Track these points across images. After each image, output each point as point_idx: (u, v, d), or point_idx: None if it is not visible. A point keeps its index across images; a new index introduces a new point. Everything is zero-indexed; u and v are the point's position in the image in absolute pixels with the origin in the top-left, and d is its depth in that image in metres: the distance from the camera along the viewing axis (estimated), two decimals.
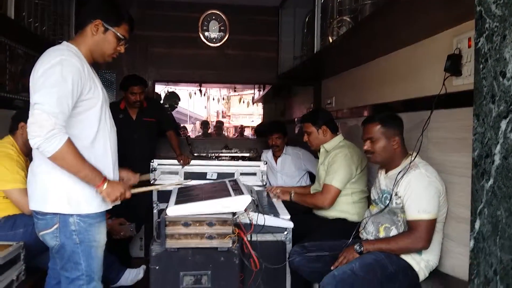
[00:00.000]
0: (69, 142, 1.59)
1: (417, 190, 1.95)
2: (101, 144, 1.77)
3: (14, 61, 2.86)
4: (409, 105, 2.44)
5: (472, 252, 1.45)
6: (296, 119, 4.77)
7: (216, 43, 4.16)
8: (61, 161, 1.60)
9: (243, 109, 16.65)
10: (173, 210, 1.91)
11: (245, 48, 4.18)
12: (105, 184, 1.68)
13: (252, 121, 17.82)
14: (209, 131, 8.46)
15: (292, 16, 3.92)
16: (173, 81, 5.27)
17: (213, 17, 4.14)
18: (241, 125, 10.45)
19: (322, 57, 3.01)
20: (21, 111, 2.37)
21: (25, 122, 2.06)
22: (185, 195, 2.10)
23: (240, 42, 4.18)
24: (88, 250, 1.74)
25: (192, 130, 17.54)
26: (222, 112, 20.72)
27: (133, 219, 2.91)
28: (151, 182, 3.26)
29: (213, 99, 9.84)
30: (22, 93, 2.88)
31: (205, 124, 8.50)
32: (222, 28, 4.16)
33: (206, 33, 4.15)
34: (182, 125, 9.22)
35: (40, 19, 2.96)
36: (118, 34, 1.80)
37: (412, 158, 2.04)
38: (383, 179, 2.17)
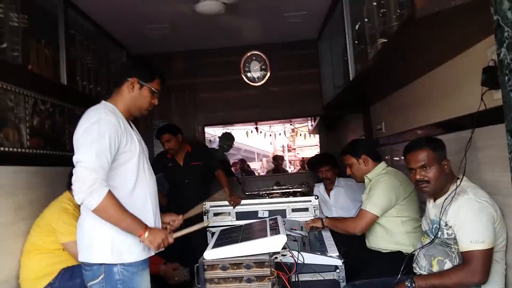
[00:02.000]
0: (110, 194, 1.69)
1: (467, 218, 1.80)
2: (140, 193, 1.87)
3: (73, 122, 3.15)
4: (454, 125, 2.29)
5: None
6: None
7: (259, 82, 4.26)
8: (104, 213, 1.70)
9: (309, 141, 16.58)
10: (210, 254, 1.92)
11: (287, 83, 4.24)
12: (147, 233, 1.76)
13: (317, 151, 17.60)
14: (282, 165, 8.37)
15: (329, 46, 3.91)
16: (221, 124, 5.45)
17: (253, 58, 4.27)
18: (302, 158, 10.36)
19: (358, 82, 2.96)
20: None
21: None
22: (224, 237, 2.11)
23: (282, 78, 4.24)
24: None
25: (261, 167, 17.73)
26: (288, 146, 20.76)
27: (189, 262, 2.95)
28: (203, 213, 3.32)
29: (270, 135, 9.93)
30: None
31: (276, 159, 8.47)
32: (263, 67, 4.26)
33: (249, 74, 4.27)
34: (248, 163, 9.40)
35: (94, 80, 3.25)
36: (152, 88, 1.94)
37: (458, 183, 1.89)
38: (432, 208, 2.03)
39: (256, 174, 8.72)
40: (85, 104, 3.22)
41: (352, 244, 2.73)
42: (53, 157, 2.85)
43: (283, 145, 20.23)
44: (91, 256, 1.80)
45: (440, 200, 1.96)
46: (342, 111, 4.39)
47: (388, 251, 2.53)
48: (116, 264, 1.78)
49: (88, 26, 3.31)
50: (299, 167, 9.49)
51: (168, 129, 3.58)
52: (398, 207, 2.50)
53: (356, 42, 3.04)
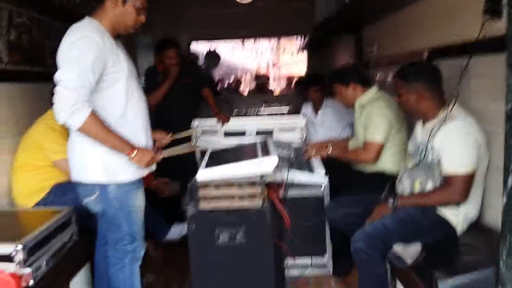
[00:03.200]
0: (93, 114, 1.66)
1: (453, 143, 1.85)
2: (131, 116, 1.84)
3: (52, 36, 2.98)
4: (447, 52, 2.27)
5: (504, 209, 1.38)
6: None
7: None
8: (87, 133, 1.69)
9: (294, 58, 16.27)
10: (203, 173, 1.97)
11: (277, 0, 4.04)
12: (135, 152, 1.77)
13: (304, 66, 17.41)
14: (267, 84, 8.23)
15: None
16: (207, 39, 5.25)
17: None
18: (290, 78, 10.22)
19: (354, 4, 2.84)
20: None
21: None
22: (216, 158, 2.16)
23: None
24: (128, 214, 1.88)
25: (243, 80, 17.54)
26: (272, 62, 20.38)
27: (179, 177, 3.02)
28: (194, 136, 3.35)
29: (256, 53, 9.66)
30: None
31: (258, 77, 8.29)
32: None
33: None
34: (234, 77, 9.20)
35: None
36: (137, 4, 1.82)
37: (449, 110, 1.92)
38: (420, 131, 2.08)
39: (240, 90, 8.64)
40: (64, 18, 3.07)
41: (336, 163, 2.82)
42: (34, 74, 2.75)
43: (267, 62, 19.85)
44: (84, 176, 1.82)
45: (429, 125, 2.00)
46: (334, 32, 4.26)
47: (371, 172, 2.62)
48: (110, 184, 1.81)
49: None
50: (285, 86, 9.40)
51: (174, 44, 3.43)
52: (392, 130, 2.54)
53: None
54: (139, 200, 1.92)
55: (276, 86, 11.51)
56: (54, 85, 2.54)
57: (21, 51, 2.60)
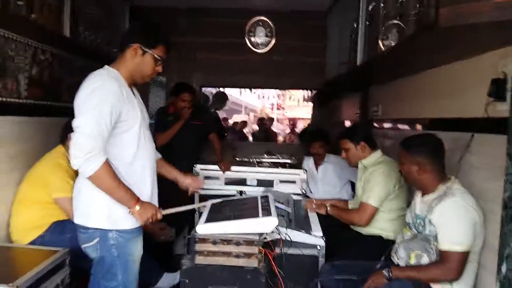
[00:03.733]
0: (106, 164, 1.71)
1: (451, 220, 1.88)
2: (139, 164, 1.88)
3: (72, 73, 3.09)
4: (450, 125, 2.34)
5: None
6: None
7: (263, 48, 4.19)
8: (98, 181, 1.72)
9: (299, 104, 16.54)
10: (203, 228, 1.99)
11: (292, 53, 4.18)
12: (138, 206, 1.79)
13: (307, 112, 17.68)
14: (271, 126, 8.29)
15: (340, 21, 3.83)
16: (219, 86, 5.41)
17: (260, 23, 4.17)
18: (293, 120, 10.38)
19: (365, 68, 2.95)
20: (70, 121, 2.54)
21: None
22: (216, 212, 2.18)
23: (287, 48, 4.18)
24: (125, 263, 1.88)
25: (247, 120, 17.72)
26: (277, 104, 20.69)
27: (174, 223, 3.04)
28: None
29: (263, 96, 9.86)
30: None
31: (261, 121, 8.42)
32: (269, 33, 4.18)
33: (253, 39, 4.18)
34: (237, 115, 9.38)
35: (95, 32, 3.15)
36: (156, 55, 1.89)
37: (449, 185, 1.97)
38: (419, 203, 2.11)
39: (245, 131, 8.73)
40: (85, 55, 3.20)
41: (334, 222, 2.83)
42: (50, 108, 2.83)
43: (272, 103, 20.16)
44: (87, 221, 1.84)
45: (428, 197, 2.04)
46: (342, 89, 4.38)
47: (369, 234, 2.63)
48: (111, 230, 1.83)
49: None
50: (289, 130, 9.52)
51: (190, 88, 3.54)
52: (390, 197, 2.58)
53: (367, 23, 3.00)
54: (137, 249, 1.93)
55: (279, 129, 11.63)
56: (67, 121, 2.63)
57: (40, 86, 2.68)
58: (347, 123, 4.43)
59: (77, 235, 2.22)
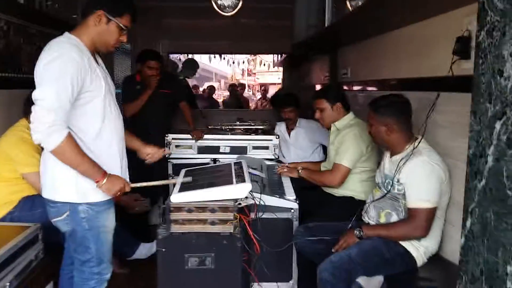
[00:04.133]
0: (69, 137, 1.65)
1: (418, 178, 1.94)
2: (107, 135, 1.83)
3: (30, 41, 2.93)
4: (418, 85, 2.38)
5: (462, 249, 1.46)
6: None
7: (230, 11, 4.07)
8: (61, 155, 1.67)
9: (269, 69, 16.41)
10: (177, 197, 1.98)
11: (259, 16, 4.08)
12: (105, 180, 1.75)
13: (279, 78, 17.63)
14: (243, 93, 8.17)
15: None
16: (186, 53, 5.28)
17: None
18: (265, 86, 10.33)
19: (333, 30, 2.93)
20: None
21: None
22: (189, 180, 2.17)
23: (254, 10, 4.08)
24: (97, 235, 1.86)
25: (218, 88, 17.51)
26: (248, 70, 20.49)
27: (148, 193, 3.02)
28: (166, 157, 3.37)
29: (233, 62, 9.72)
30: None
31: (232, 87, 8.28)
32: None
33: (219, 1, 4.06)
34: (209, 84, 9.26)
35: None
36: (121, 24, 1.81)
37: (416, 144, 2.02)
38: (388, 163, 2.16)
39: (214, 97, 8.62)
40: (42, 22, 3.03)
41: (306, 184, 2.88)
42: (10, 80, 2.69)
43: (243, 69, 19.95)
44: (55, 194, 1.80)
45: (396, 157, 2.09)
46: (311, 52, 4.35)
47: (341, 195, 2.70)
48: (81, 203, 1.79)
49: None
50: (260, 95, 9.48)
51: (156, 55, 3.42)
52: (362, 158, 2.63)
53: None
54: (109, 221, 1.91)
55: (251, 95, 11.58)
56: (29, 93, 2.51)
57: None
58: (318, 87, 4.43)
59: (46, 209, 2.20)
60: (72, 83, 1.65)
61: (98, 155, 1.79)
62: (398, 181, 2.02)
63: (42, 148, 1.80)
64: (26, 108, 2.47)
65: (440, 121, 2.15)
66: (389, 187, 2.08)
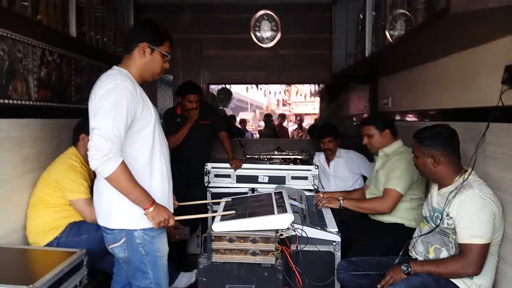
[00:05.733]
0: (123, 165, 1.71)
1: (469, 213, 1.86)
2: (157, 161, 1.89)
3: (79, 73, 3.09)
4: (465, 115, 2.31)
5: None
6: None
7: (269, 43, 4.15)
8: (115, 182, 1.73)
9: (304, 97, 16.48)
10: (218, 226, 1.98)
11: (298, 47, 4.13)
12: (152, 208, 1.79)
13: (314, 108, 17.66)
14: (275, 122, 8.26)
15: (345, 12, 3.79)
16: (226, 84, 5.38)
17: (265, 17, 4.13)
18: (300, 116, 10.34)
19: (374, 59, 2.91)
20: (81, 123, 2.56)
21: (85, 133, 2.26)
22: (231, 210, 2.16)
23: (293, 41, 4.14)
24: (154, 260, 1.89)
25: (253, 118, 17.67)
26: (283, 100, 20.62)
27: (187, 222, 3.02)
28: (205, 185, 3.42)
29: (269, 92, 9.83)
30: (87, 102, 3.09)
31: (268, 117, 8.36)
32: (274, 28, 4.14)
33: (258, 34, 4.15)
34: (242, 118, 9.37)
35: (100, 31, 3.14)
36: (163, 52, 1.91)
37: (466, 177, 1.94)
38: (436, 196, 2.08)
39: (249, 129, 8.67)
40: (92, 55, 3.20)
41: (349, 214, 2.82)
42: (59, 110, 2.83)
43: (278, 99, 20.09)
44: (111, 222, 1.85)
45: (445, 190, 2.01)
46: (351, 81, 4.34)
47: (390, 222, 2.62)
48: (136, 230, 1.83)
49: None
50: (296, 126, 9.47)
51: (198, 89, 3.49)
52: (413, 185, 2.57)
53: (374, 13, 2.96)
54: (163, 245, 1.95)
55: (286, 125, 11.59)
56: (78, 123, 2.62)
57: (49, 88, 2.68)
58: (359, 116, 4.38)
59: (93, 235, 2.25)
60: (127, 113, 1.73)
61: (149, 180, 1.84)
62: (447, 215, 1.94)
63: (93, 176, 1.85)
64: (74, 136, 2.59)
65: (491, 153, 2.06)
66: (438, 221, 1.99)
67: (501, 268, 1.95)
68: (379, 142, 2.75)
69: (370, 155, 3.67)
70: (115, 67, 1.89)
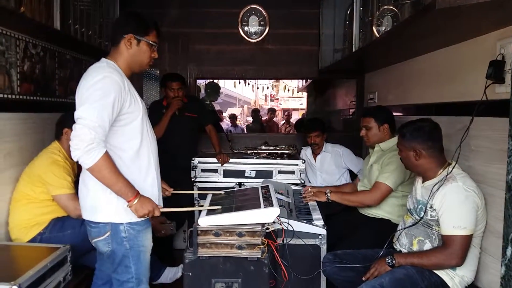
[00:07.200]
0: (106, 156, 1.69)
1: (453, 205, 1.88)
2: (145, 155, 1.87)
3: (63, 66, 3.04)
4: (450, 109, 2.34)
5: (502, 280, 1.39)
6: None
7: (256, 38, 4.14)
8: (97, 173, 1.70)
9: (292, 92, 16.50)
10: (204, 220, 1.98)
11: (285, 42, 4.12)
12: (136, 200, 1.76)
13: (301, 103, 17.69)
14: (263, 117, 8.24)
15: (333, 8, 3.80)
16: (213, 78, 5.35)
17: (253, 12, 4.11)
18: (288, 112, 10.34)
19: (361, 54, 2.93)
20: (64, 117, 2.52)
21: (69, 127, 2.23)
22: (217, 204, 2.16)
23: (281, 36, 4.13)
24: (137, 254, 1.87)
25: (241, 113, 17.65)
26: (271, 95, 20.63)
27: (174, 217, 3.02)
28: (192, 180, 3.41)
29: (257, 87, 9.79)
30: (71, 96, 3.05)
31: (256, 112, 8.37)
32: (262, 22, 4.12)
33: (246, 28, 4.13)
34: (231, 113, 9.36)
35: (86, 24, 3.10)
36: (150, 42, 1.89)
37: (450, 170, 1.96)
38: (419, 189, 2.11)
39: (238, 123, 8.66)
40: (76, 48, 3.15)
41: (335, 208, 2.83)
42: (42, 103, 2.78)
43: (265, 94, 20.10)
44: (96, 215, 1.82)
45: (429, 183, 2.03)
46: (338, 76, 4.35)
47: (377, 217, 2.65)
48: (122, 223, 1.82)
49: None
50: (284, 121, 9.48)
51: (180, 77, 3.48)
52: (405, 182, 2.59)
53: (361, 8, 2.98)
54: (148, 241, 1.92)
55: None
56: (60, 117, 2.58)
57: (32, 81, 2.63)
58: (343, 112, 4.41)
59: (77, 231, 2.22)
60: (113, 104, 1.71)
61: (137, 173, 1.83)
62: (431, 207, 1.96)
63: (78, 169, 1.82)
64: (58, 131, 2.55)
65: (474, 146, 2.09)
66: (422, 213, 2.02)
67: (483, 260, 1.99)
68: (376, 135, 2.76)
69: (356, 149, 3.71)
70: (103, 59, 1.87)
